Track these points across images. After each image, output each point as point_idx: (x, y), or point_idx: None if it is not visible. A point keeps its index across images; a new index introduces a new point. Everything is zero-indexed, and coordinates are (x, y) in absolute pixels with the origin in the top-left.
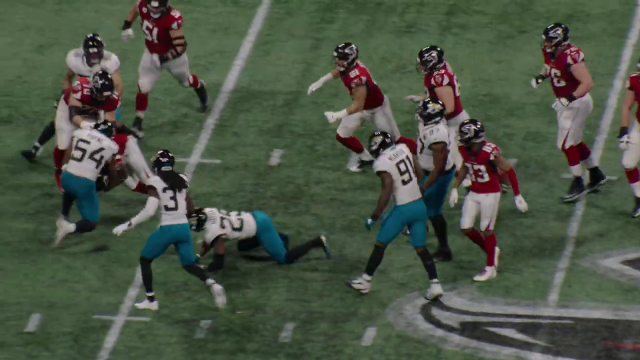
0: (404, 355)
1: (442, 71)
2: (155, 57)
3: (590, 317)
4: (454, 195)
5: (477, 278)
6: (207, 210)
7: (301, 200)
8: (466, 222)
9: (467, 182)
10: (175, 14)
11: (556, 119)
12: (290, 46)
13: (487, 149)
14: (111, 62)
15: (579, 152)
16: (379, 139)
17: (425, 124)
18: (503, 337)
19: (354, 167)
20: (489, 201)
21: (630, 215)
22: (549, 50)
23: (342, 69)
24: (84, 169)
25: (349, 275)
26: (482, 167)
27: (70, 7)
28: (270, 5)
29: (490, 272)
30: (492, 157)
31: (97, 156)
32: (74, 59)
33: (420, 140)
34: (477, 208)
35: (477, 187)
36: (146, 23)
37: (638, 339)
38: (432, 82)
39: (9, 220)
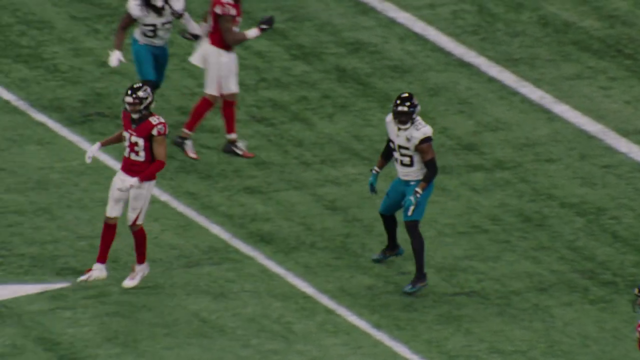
0: None
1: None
2: None
3: None
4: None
5: (127, 284)
6: None
7: None
8: (113, 211)
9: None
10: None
11: None
12: None
13: (153, 120)
14: None
15: None
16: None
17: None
18: None
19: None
20: (141, 190)
21: None
22: None
23: None
24: None
25: None
26: (141, 141)
27: None
28: None
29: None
30: (154, 132)
31: None
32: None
33: (398, 147)
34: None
35: (129, 166)
36: None
37: None
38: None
39: None
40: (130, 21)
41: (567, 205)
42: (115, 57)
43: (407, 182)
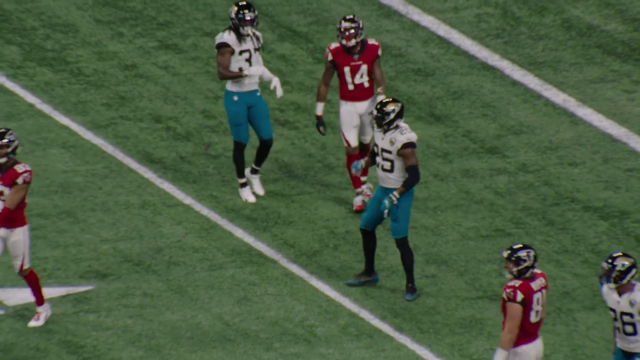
0: None
1: None
2: None
3: None
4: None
5: (32, 324)
6: None
7: None
8: None
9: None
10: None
11: None
12: None
13: (19, 168)
14: None
15: None
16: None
17: (386, 131)
18: None
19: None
20: (16, 237)
21: None
22: None
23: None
24: None
25: None
26: (7, 191)
27: None
28: None
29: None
30: (19, 181)
31: None
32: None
33: (381, 150)
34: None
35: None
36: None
37: None
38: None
39: None
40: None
41: (590, 209)
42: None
43: (384, 191)
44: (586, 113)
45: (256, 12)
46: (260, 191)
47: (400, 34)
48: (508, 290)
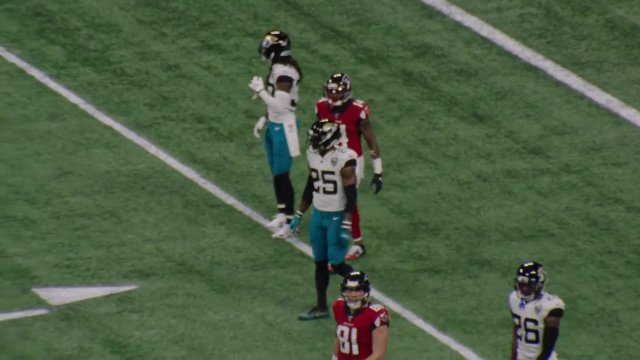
0: None
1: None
2: None
3: None
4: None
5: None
6: None
7: None
8: None
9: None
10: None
11: None
12: None
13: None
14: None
15: None
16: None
17: (323, 152)
18: None
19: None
20: None
21: None
22: None
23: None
24: None
25: None
26: None
27: None
28: None
29: None
30: None
31: None
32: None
33: (322, 173)
34: None
35: None
36: None
37: None
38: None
39: None
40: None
41: (634, 209)
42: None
43: (327, 215)
44: (630, 113)
45: (261, 44)
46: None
47: (443, 34)
48: (382, 315)
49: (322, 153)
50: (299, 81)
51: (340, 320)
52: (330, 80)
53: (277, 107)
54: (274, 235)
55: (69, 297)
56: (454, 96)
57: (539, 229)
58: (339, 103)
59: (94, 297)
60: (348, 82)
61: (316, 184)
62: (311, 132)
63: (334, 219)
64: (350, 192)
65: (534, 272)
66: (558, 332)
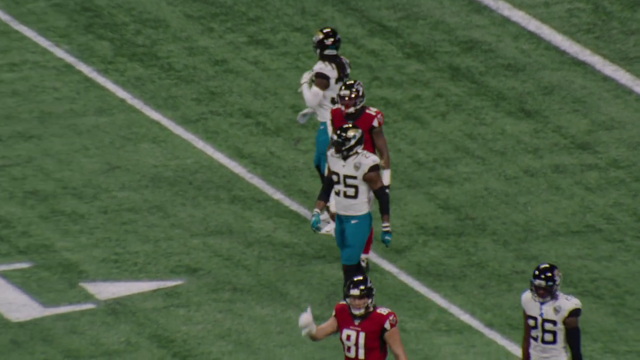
0: None
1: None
2: None
3: None
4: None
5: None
6: None
7: None
8: None
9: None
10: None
11: None
12: None
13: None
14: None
15: None
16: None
17: (346, 157)
18: None
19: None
20: None
21: None
22: None
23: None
24: None
25: None
26: None
27: None
28: None
29: None
30: None
31: None
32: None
33: (344, 177)
34: None
35: None
36: None
37: None
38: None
39: None
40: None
41: None
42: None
43: (346, 218)
44: None
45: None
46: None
47: (491, 29)
48: (392, 318)
49: (345, 157)
50: (341, 79)
51: (345, 324)
52: (343, 87)
53: (310, 103)
54: (320, 232)
55: (116, 292)
56: (501, 91)
57: (587, 225)
58: (351, 110)
59: (141, 292)
60: (361, 89)
61: (337, 188)
62: (335, 137)
63: (353, 222)
64: (382, 194)
65: (550, 275)
66: (580, 331)
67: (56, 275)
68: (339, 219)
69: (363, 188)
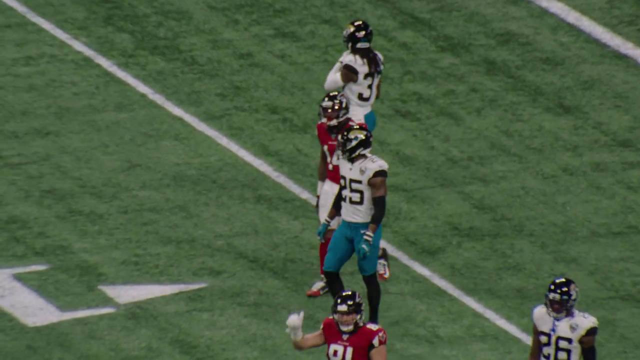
0: None
1: None
2: None
3: None
4: None
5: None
6: None
7: None
8: None
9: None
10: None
11: None
12: None
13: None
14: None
15: None
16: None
17: (352, 160)
18: None
19: None
20: None
21: None
22: None
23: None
24: None
25: None
26: None
27: None
28: None
29: None
30: None
31: None
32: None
33: (350, 181)
34: None
35: None
36: None
37: None
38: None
39: None
40: None
41: None
42: None
43: (355, 226)
44: None
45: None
46: None
47: (528, 21)
48: (381, 334)
49: (351, 160)
50: (371, 75)
51: (333, 339)
52: (325, 99)
53: (326, 87)
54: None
55: (136, 295)
56: (539, 86)
57: (629, 225)
58: (334, 122)
59: (162, 295)
60: (344, 101)
61: (343, 193)
62: (339, 137)
63: (361, 231)
64: (380, 204)
65: (565, 289)
66: (596, 351)
67: (74, 278)
68: (345, 224)
69: (369, 194)
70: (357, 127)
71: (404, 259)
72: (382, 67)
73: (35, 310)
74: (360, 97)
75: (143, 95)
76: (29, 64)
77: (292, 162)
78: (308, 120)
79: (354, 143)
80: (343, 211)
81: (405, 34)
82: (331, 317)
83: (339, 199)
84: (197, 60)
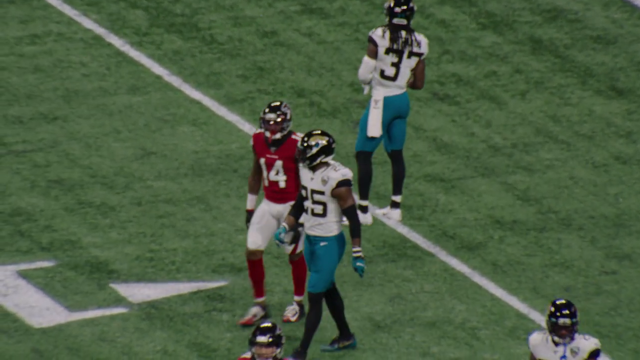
0: None
1: None
2: None
3: None
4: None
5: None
6: None
7: None
8: None
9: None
10: None
11: None
12: None
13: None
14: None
15: None
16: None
17: (313, 168)
18: None
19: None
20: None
21: None
22: None
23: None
24: None
25: None
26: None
27: None
28: None
29: None
30: None
31: None
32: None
33: (311, 192)
34: None
35: None
36: None
37: None
38: None
39: None
40: None
41: None
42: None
43: (315, 240)
44: None
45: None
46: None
47: None
48: None
49: (312, 169)
50: (395, 52)
51: None
52: (267, 110)
53: (359, 73)
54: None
55: (151, 294)
56: (589, 67)
57: None
58: (277, 136)
59: (179, 294)
60: (288, 112)
61: (305, 204)
62: (299, 144)
63: (322, 244)
64: (352, 215)
65: (573, 310)
66: None
67: (83, 275)
68: (308, 239)
69: (332, 206)
70: (318, 132)
71: (442, 254)
72: (421, 49)
73: (41, 311)
74: (382, 74)
75: (158, 77)
76: (35, 42)
77: None
78: (337, 104)
79: (314, 150)
80: (305, 223)
81: (444, 10)
82: (245, 355)
83: (299, 207)
84: (216, 39)
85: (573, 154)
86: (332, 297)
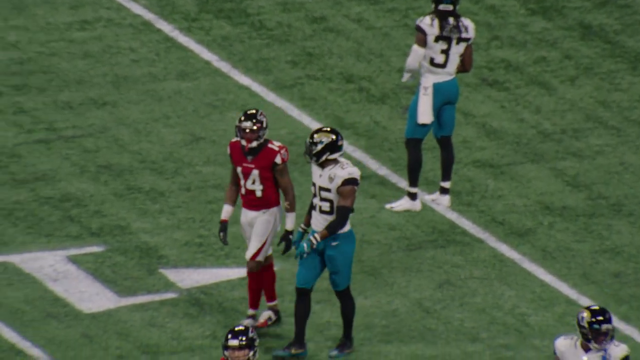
0: None
1: None
2: None
3: None
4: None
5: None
6: None
7: None
8: None
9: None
10: None
11: None
12: None
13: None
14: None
15: None
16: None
17: (322, 166)
18: None
19: None
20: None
21: None
22: None
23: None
24: None
25: None
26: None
27: None
28: None
29: None
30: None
31: None
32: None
33: (319, 189)
34: None
35: None
36: None
37: None
38: None
39: None
40: None
41: None
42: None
43: (324, 239)
44: None
45: None
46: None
47: None
48: None
49: (321, 166)
50: (444, 39)
51: None
52: (243, 118)
53: (407, 62)
54: (438, 206)
55: (200, 280)
56: (639, 52)
57: None
58: (254, 144)
59: (228, 280)
60: (264, 120)
61: (314, 201)
62: (307, 140)
63: (333, 244)
64: (341, 214)
65: (609, 315)
66: None
67: (133, 261)
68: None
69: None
70: (327, 129)
71: (491, 240)
72: (468, 34)
73: (91, 296)
74: (432, 62)
75: (207, 63)
76: (84, 28)
77: (369, 135)
78: (386, 90)
79: (319, 147)
80: (313, 220)
81: None
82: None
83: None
84: (265, 25)
85: (623, 140)
86: (304, 301)
